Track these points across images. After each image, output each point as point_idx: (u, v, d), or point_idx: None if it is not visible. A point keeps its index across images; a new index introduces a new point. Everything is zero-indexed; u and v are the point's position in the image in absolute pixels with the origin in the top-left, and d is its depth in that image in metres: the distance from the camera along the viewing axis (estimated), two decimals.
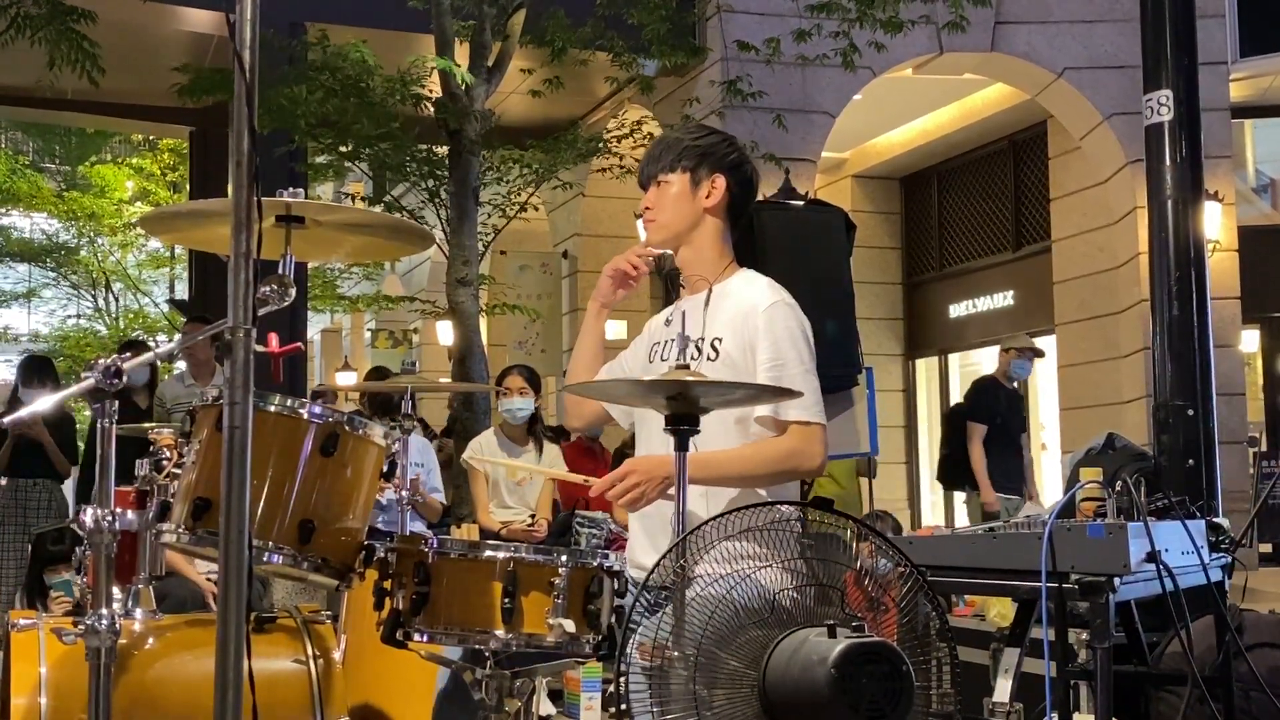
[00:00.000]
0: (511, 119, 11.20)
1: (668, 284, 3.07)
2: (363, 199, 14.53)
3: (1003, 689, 3.15)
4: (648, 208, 2.83)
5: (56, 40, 8.57)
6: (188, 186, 15.14)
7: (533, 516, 6.10)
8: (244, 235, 1.88)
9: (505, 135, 10.50)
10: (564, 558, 2.42)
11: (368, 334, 21.46)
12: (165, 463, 2.75)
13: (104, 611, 2.19)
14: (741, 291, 2.74)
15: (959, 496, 9.65)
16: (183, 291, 18.05)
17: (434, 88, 9.45)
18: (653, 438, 2.71)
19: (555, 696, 3.83)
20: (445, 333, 13.11)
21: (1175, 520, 3.23)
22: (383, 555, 2.54)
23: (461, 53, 9.19)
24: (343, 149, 10.21)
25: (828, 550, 2.17)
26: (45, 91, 10.35)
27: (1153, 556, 2.99)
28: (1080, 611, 3.13)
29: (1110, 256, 10.87)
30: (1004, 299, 12.85)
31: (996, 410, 8.33)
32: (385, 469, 2.68)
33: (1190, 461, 4.70)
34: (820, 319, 3.07)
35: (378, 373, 8.77)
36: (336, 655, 2.97)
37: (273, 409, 2.51)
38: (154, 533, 2.68)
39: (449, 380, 9.92)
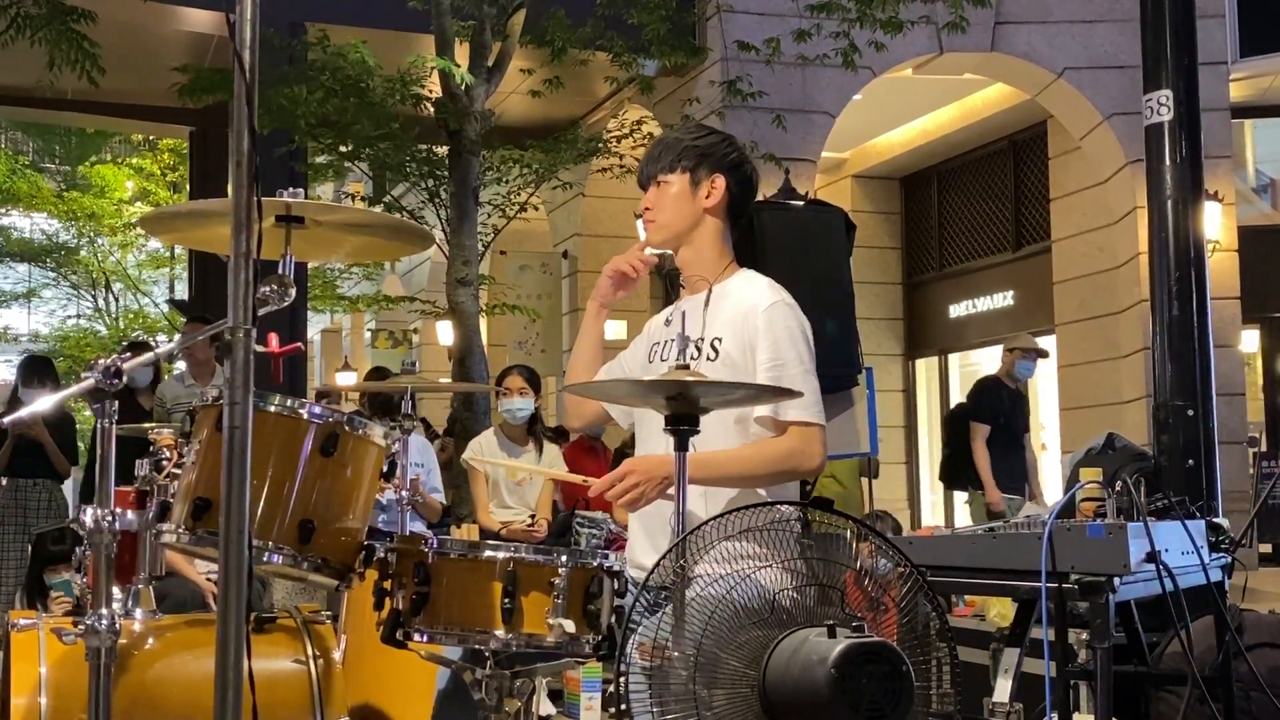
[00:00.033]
0: (511, 119, 11.20)
1: (668, 284, 3.06)
2: (363, 199, 14.52)
3: (1003, 689, 3.15)
4: (647, 208, 2.83)
5: (56, 40, 8.58)
6: (188, 186, 15.13)
7: (533, 517, 6.10)
8: (244, 235, 1.88)
9: (505, 135, 10.50)
10: (564, 558, 2.42)
11: (368, 334, 21.44)
12: (165, 463, 2.75)
13: (104, 611, 2.19)
14: (741, 291, 2.73)
15: (959, 496, 9.65)
16: (183, 292, 18.04)
17: (434, 88, 9.45)
18: (652, 438, 2.71)
19: (555, 696, 3.82)
20: (445, 333, 13.10)
21: (1175, 520, 3.23)
22: (383, 555, 2.54)
23: (461, 53, 9.19)
24: (343, 149, 10.22)
25: (828, 550, 2.17)
26: (45, 91, 10.36)
27: (1153, 556, 2.99)
28: (1080, 611, 3.13)
29: (1110, 256, 10.87)
30: (1004, 299, 12.85)
31: (1000, 410, 8.32)
32: (385, 469, 2.68)
33: (1190, 462, 4.70)
34: (820, 319, 3.07)
35: (378, 373, 8.75)
36: (336, 655, 2.97)
37: (273, 409, 2.50)
38: (154, 533, 2.67)
39: (449, 380, 9.92)
